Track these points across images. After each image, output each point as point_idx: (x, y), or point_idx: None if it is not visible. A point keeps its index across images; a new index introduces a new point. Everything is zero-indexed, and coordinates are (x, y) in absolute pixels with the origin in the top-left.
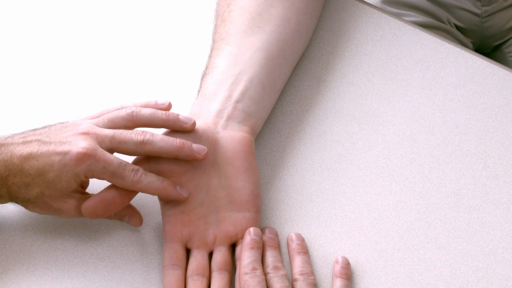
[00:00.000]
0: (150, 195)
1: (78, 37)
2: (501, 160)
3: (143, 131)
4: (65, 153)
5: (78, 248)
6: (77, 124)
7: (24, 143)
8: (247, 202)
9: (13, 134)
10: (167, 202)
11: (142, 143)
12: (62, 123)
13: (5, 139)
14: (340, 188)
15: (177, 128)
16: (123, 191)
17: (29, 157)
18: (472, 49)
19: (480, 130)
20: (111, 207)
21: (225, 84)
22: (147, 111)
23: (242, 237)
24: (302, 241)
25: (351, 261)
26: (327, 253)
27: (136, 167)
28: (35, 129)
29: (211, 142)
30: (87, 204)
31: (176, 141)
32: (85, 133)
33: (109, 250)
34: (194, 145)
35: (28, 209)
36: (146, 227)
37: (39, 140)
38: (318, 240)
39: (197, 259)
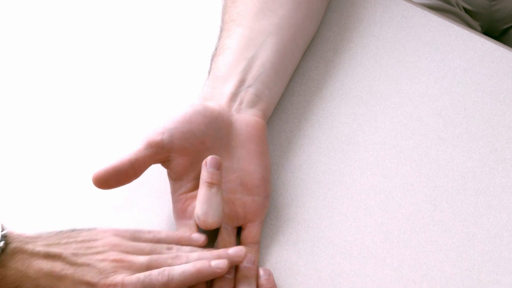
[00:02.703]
0: (159, 173)
1: (79, 39)
2: (508, 143)
3: (177, 256)
4: (92, 285)
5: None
6: (108, 244)
7: (46, 256)
8: (257, 186)
9: (36, 236)
10: (177, 181)
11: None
12: (90, 231)
13: (26, 244)
14: (347, 169)
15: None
16: (137, 163)
17: (49, 275)
18: (481, 32)
19: (488, 113)
20: (123, 179)
21: (238, 67)
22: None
23: (250, 221)
24: (269, 276)
25: (357, 243)
26: (333, 235)
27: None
28: (60, 234)
29: (226, 124)
30: (99, 174)
31: (193, 268)
32: (117, 261)
33: None
34: (213, 263)
35: None
36: (158, 209)
37: (63, 259)
38: (324, 221)
39: None
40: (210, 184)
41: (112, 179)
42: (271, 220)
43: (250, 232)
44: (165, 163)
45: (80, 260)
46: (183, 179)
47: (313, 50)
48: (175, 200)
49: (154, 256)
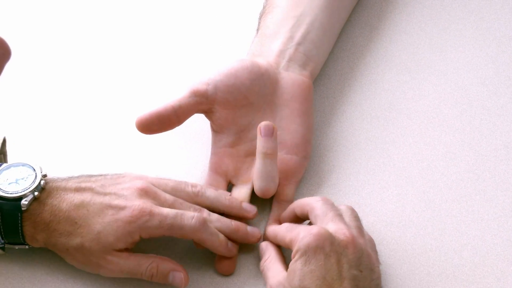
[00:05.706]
0: (202, 128)
1: (80, 38)
2: None
3: (200, 209)
4: (120, 208)
5: None
6: (135, 178)
7: (77, 190)
8: (297, 145)
9: (69, 178)
10: (218, 133)
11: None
12: (119, 174)
13: (60, 182)
14: (389, 137)
15: (239, 215)
16: (180, 110)
17: (80, 205)
18: None
19: None
20: (166, 125)
21: (286, 25)
22: (211, 194)
23: (286, 179)
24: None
25: (397, 211)
26: (374, 202)
27: (196, 214)
28: (91, 176)
29: (272, 81)
30: (142, 118)
31: (231, 224)
32: (143, 190)
33: None
34: (249, 228)
35: (67, 261)
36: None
37: (92, 190)
38: (365, 188)
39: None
40: (265, 155)
41: (155, 124)
42: (311, 186)
43: (284, 190)
44: (208, 114)
45: (108, 190)
46: (224, 132)
47: (358, 17)
48: (213, 152)
49: (180, 200)
